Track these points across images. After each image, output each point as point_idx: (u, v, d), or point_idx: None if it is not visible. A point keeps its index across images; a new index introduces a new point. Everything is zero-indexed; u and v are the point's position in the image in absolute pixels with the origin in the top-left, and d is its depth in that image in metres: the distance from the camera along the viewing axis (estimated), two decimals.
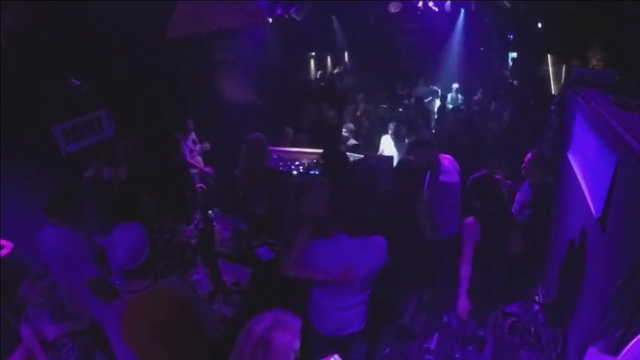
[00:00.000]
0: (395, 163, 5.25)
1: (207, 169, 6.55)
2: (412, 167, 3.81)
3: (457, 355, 3.85)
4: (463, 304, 3.33)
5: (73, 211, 3.36)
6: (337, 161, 4.55)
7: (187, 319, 2.30)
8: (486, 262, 3.29)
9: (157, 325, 2.22)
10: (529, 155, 4.06)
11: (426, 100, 9.13)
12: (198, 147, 6.53)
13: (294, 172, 6.22)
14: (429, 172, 4.34)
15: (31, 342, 2.78)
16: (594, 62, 5.86)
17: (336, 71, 11.59)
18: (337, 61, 12.20)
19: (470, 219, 3.30)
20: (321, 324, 2.96)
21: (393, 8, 8.49)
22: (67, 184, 4.01)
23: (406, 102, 9.23)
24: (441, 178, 4.23)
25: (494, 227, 3.26)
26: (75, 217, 3.37)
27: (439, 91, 10.35)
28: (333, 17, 10.15)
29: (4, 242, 3.85)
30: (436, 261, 3.98)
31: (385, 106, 8.63)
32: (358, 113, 8.12)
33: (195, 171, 6.40)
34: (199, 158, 6.58)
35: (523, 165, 4.10)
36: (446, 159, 4.38)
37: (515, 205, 4.29)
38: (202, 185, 5.85)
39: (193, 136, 6.52)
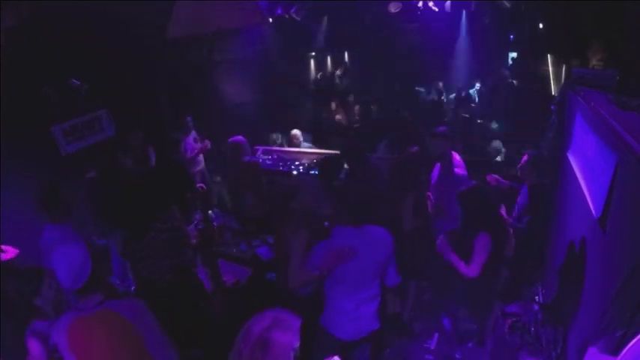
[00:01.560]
0: None
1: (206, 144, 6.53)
2: (414, 159, 3.91)
3: (457, 356, 3.85)
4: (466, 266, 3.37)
5: (63, 206, 3.44)
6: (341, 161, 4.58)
7: (131, 345, 2.22)
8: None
9: (100, 348, 2.18)
10: (525, 157, 4.08)
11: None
12: (199, 145, 6.50)
13: (294, 172, 6.22)
14: (439, 164, 4.42)
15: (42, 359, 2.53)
16: (594, 62, 5.85)
17: (337, 73, 11.58)
18: (337, 61, 12.19)
19: (483, 235, 3.35)
20: (338, 327, 2.91)
21: (393, 8, 8.46)
22: (67, 184, 4.01)
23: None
24: (455, 170, 4.31)
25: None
26: (65, 213, 3.45)
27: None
28: (325, 17, 10.11)
29: (9, 248, 3.82)
30: (435, 254, 4.03)
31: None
32: (345, 118, 8.20)
33: (197, 169, 6.38)
34: (201, 157, 6.55)
35: (519, 166, 4.12)
36: (454, 153, 4.44)
37: (516, 207, 4.32)
38: (202, 185, 5.84)
39: (194, 134, 6.48)
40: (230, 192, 5.09)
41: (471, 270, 3.32)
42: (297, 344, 1.74)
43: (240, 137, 4.88)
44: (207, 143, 6.52)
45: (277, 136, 7.16)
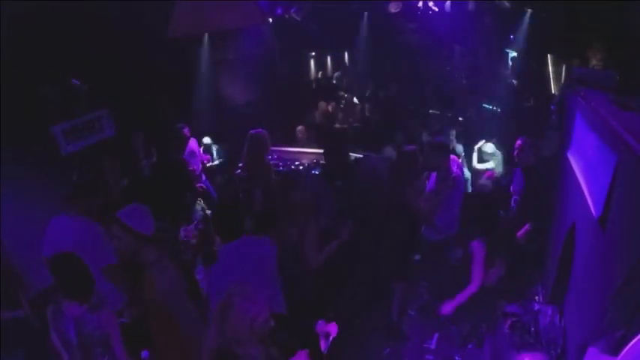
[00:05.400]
0: None
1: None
2: (414, 156, 3.94)
3: (457, 357, 3.84)
4: (449, 308, 3.54)
5: (91, 199, 3.56)
6: (338, 158, 4.59)
7: None
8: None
9: None
10: (519, 141, 4.17)
11: None
12: (196, 160, 6.14)
13: None
14: (435, 173, 4.40)
15: (114, 324, 2.74)
16: (594, 62, 5.85)
17: (336, 74, 11.57)
18: (337, 61, 12.18)
19: (477, 243, 3.40)
20: None
21: (393, 8, 8.46)
22: (67, 184, 4.01)
23: None
24: (453, 175, 4.31)
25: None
26: (91, 206, 3.54)
27: None
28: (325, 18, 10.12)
29: None
30: (433, 262, 4.04)
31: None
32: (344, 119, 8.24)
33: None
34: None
35: (515, 150, 4.19)
36: (453, 160, 4.42)
37: (512, 196, 4.35)
38: (202, 185, 5.83)
39: (190, 148, 6.10)
40: (241, 187, 5.02)
41: (471, 286, 3.40)
42: (255, 313, 1.99)
43: (262, 130, 4.81)
44: (206, 158, 6.50)
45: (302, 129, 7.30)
